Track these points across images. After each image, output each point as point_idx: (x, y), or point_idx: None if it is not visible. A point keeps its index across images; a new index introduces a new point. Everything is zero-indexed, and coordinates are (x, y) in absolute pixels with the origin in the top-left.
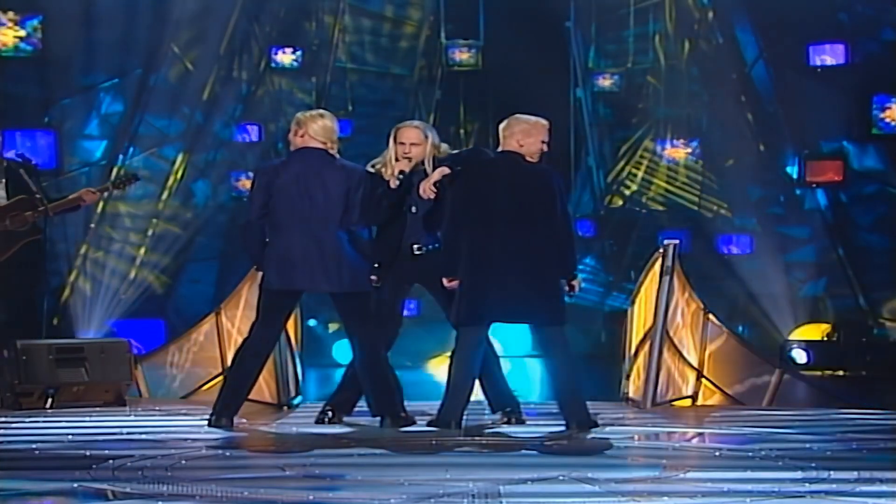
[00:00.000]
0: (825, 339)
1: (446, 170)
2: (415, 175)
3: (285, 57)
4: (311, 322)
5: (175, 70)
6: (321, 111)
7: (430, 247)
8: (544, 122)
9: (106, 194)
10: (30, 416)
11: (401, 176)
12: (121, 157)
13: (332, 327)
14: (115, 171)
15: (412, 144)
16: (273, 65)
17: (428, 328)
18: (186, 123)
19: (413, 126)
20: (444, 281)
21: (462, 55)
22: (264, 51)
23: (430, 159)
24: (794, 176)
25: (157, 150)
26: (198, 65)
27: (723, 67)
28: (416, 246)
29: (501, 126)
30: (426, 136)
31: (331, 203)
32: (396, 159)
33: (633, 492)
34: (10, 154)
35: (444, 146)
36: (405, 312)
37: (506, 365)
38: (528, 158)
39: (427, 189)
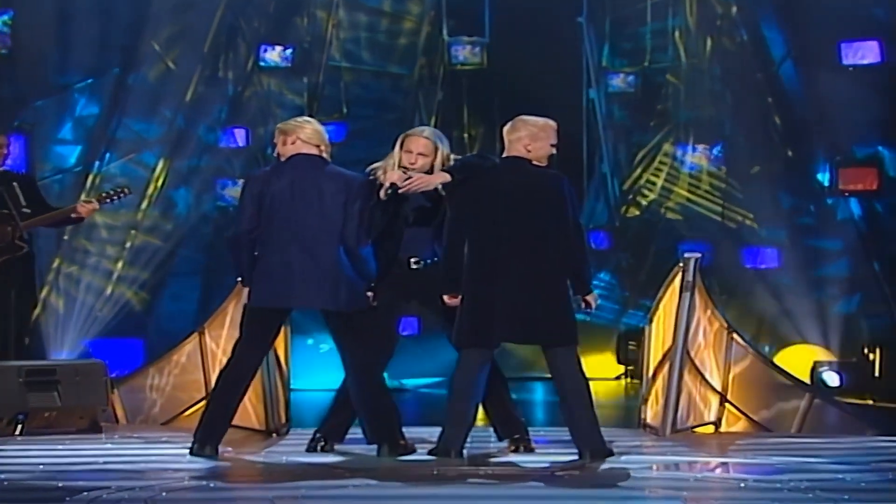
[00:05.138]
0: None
1: (447, 176)
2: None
3: (275, 55)
4: (310, 341)
5: (155, 69)
6: (306, 117)
7: (429, 261)
8: (552, 123)
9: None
10: None
11: (390, 191)
12: (97, 163)
13: (326, 348)
14: (90, 178)
15: (419, 155)
16: (261, 63)
17: (428, 348)
18: (168, 127)
19: (423, 135)
20: (444, 298)
21: (466, 53)
22: (252, 48)
23: (438, 172)
24: (826, 184)
25: (135, 155)
26: (180, 64)
27: (748, 66)
28: (413, 259)
29: (506, 129)
30: (436, 148)
31: (327, 214)
32: (401, 167)
33: None
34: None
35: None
36: (405, 332)
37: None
38: (535, 163)
39: (419, 182)
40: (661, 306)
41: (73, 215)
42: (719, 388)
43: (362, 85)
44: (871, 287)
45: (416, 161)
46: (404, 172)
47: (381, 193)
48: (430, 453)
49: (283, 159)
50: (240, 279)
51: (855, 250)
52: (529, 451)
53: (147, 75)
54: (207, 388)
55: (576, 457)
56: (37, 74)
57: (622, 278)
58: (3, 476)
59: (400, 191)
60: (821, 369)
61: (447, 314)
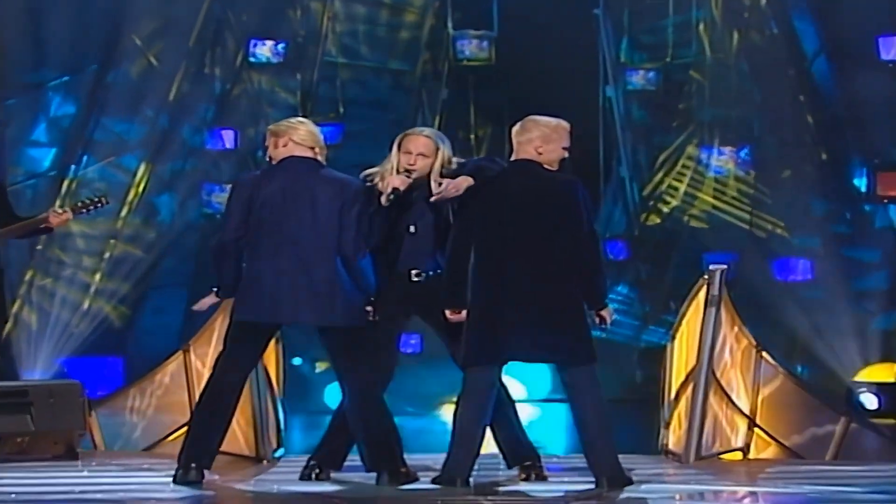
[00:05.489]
0: None
1: (472, 180)
2: (414, 191)
3: (265, 50)
4: (297, 361)
5: (137, 66)
6: (299, 118)
7: (432, 273)
8: (565, 124)
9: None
10: None
11: (392, 196)
12: (73, 167)
13: (321, 367)
14: (66, 183)
15: (419, 155)
16: (251, 59)
17: (432, 367)
18: (150, 128)
19: (423, 135)
20: (447, 313)
21: (472, 48)
22: (241, 43)
23: (437, 175)
24: (863, 189)
25: (115, 158)
26: (163, 60)
27: (778, 62)
28: (414, 271)
29: (515, 130)
30: (437, 148)
31: (322, 221)
32: (398, 171)
33: None
34: None
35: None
36: (407, 349)
37: (524, 410)
38: (547, 167)
39: (451, 188)
40: (684, 322)
41: (42, 226)
42: (747, 412)
43: (360, 82)
44: None
45: (416, 162)
46: (408, 176)
47: (384, 200)
48: (433, 482)
49: (274, 162)
50: (215, 289)
51: (894, 261)
52: (541, 479)
53: (128, 72)
54: (192, 411)
55: (592, 485)
56: (8, 72)
57: (641, 292)
58: None
59: (432, 199)
60: (858, 391)
61: (450, 330)
